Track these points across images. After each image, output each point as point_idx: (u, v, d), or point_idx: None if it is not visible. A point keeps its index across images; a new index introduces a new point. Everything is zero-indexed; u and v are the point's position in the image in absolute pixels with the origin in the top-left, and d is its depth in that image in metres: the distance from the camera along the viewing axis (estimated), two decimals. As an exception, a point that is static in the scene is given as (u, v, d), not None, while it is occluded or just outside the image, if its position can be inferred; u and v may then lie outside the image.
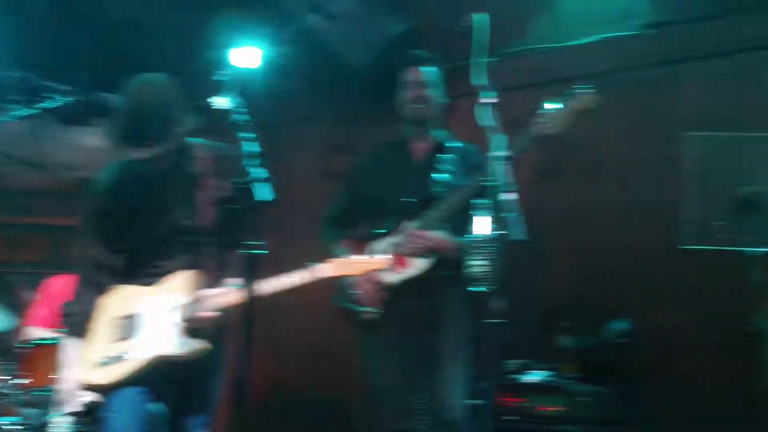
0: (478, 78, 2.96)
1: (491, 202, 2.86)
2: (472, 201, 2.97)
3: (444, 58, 3.77)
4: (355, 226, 3.77)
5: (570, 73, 4.62)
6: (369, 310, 3.53)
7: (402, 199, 3.56)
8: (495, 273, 2.78)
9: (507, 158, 2.96)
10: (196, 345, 2.99)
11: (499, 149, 2.94)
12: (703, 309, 4.34)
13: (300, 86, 5.45)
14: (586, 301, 4.63)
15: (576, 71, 4.62)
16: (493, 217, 2.83)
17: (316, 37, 4.96)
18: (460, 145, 3.70)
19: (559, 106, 3.33)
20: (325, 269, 3.01)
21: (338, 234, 3.73)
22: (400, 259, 3.47)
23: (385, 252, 3.47)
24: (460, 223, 3.27)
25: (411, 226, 3.49)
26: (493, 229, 2.82)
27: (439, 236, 3.47)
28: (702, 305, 4.36)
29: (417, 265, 3.48)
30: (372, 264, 3.07)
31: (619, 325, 4.35)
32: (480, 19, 3.01)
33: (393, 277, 3.50)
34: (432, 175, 3.60)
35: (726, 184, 3.59)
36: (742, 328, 3.49)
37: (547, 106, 3.35)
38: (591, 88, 3.34)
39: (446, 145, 3.70)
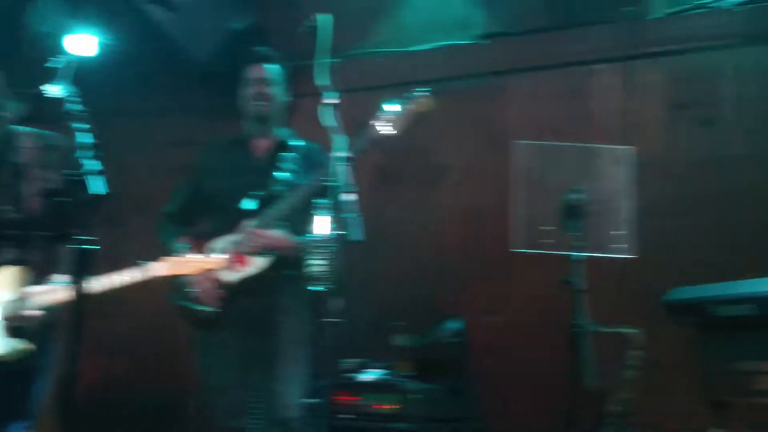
0: (321, 78, 2.98)
1: (331, 202, 2.89)
2: (312, 200, 2.99)
3: (288, 57, 3.77)
4: (194, 223, 3.70)
5: (410, 77, 4.74)
6: (206, 309, 3.47)
7: (242, 197, 3.53)
8: (333, 272, 2.80)
9: (348, 159, 3.00)
10: (20, 345, 2.87)
11: (340, 150, 2.97)
12: (531, 310, 4.54)
13: (138, 77, 5.28)
14: (421, 301, 4.74)
15: (415, 76, 4.75)
16: (332, 217, 2.86)
17: (155, 27, 4.83)
18: (303, 143, 3.71)
19: (397, 108, 3.42)
20: (160, 268, 2.94)
21: (176, 231, 3.64)
22: (239, 258, 3.44)
23: (223, 250, 3.43)
24: (300, 222, 3.28)
25: (251, 224, 3.46)
26: (333, 229, 2.84)
27: (278, 235, 3.47)
28: (531, 306, 4.56)
29: (256, 264, 3.46)
30: (208, 263, 3.03)
31: (453, 325, 4.48)
32: (324, 20, 3.04)
33: (231, 276, 3.46)
34: (273, 173, 3.59)
35: (551, 191, 3.78)
36: (566, 328, 3.68)
37: (386, 107, 3.43)
38: (428, 91, 3.45)
39: (288, 143, 3.70)
